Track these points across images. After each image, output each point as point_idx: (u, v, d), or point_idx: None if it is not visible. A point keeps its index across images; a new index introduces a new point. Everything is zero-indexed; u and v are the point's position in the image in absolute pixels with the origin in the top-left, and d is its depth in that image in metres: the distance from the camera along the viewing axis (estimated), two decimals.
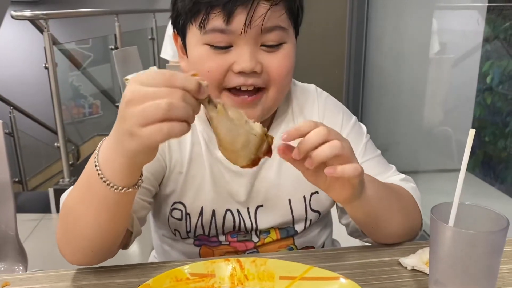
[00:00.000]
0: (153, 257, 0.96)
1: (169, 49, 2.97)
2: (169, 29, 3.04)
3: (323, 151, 0.57)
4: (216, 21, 0.68)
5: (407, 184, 0.81)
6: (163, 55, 3.02)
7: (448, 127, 2.49)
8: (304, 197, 0.82)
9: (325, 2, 2.34)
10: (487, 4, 2.38)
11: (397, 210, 0.73)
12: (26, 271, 1.15)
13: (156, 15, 5.24)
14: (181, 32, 0.75)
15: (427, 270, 0.66)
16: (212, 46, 0.69)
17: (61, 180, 2.96)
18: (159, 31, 5.23)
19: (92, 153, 0.60)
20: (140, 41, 4.90)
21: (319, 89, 0.87)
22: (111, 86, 4.79)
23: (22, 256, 1.19)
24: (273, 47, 0.71)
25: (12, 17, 2.71)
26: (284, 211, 0.81)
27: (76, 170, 3.18)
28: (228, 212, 0.80)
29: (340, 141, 0.58)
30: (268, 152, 0.58)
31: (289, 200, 0.81)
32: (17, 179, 3.77)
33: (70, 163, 3.07)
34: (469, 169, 2.76)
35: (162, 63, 3.19)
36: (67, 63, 4.17)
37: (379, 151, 0.86)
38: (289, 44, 0.73)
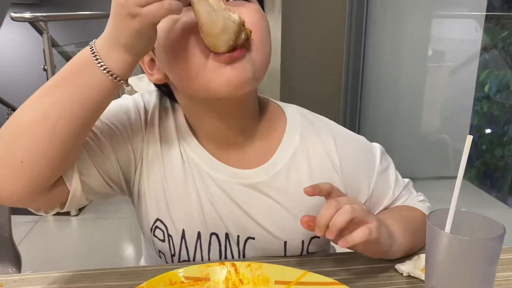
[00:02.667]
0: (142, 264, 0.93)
1: None
2: None
3: (337, 221, 0.60)
4: None
5: (424, 204, 0.81)
6: None
7: (445, 134, 2.50)
8: (303, 241, 0.76)
9: (323, 9, 2.35)
10: (485, 13, 2.40)
11: (415, 241, 0.73)
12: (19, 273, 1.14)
13: None
14: None
15: (423, 277, 0.66)
16: (174, 17, 0.63)
17: None
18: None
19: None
20: None
21: (337, 128, 0.80)
22: None
23: (16, 259, 1.18)
24: (239, 2, 0.65)
25: (12, 18, 2.71)
26: (277, 250, 0.76)
27: None
28: (214, 236, 0.75)
29: (350, 205, 0.61)
30: (246, 45, 0.62)
31: (285, 242, 0.75)
32: None
33: None
34: (466, 177, 2.77)
35: None
36: None
37: (406, 180, 0.83)
38: (254, 3, 0.67)
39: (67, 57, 4.14)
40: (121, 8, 0.55)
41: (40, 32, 2.76)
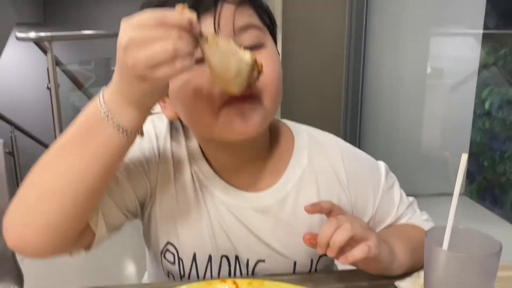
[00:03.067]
0: (146, 280, 0.93)
1: None
2: None
3: (337, 239, 0.62)
4: None
5: (427, 223, 0.81)
6: None
7: (445, 151, 2.50)
8: (312, 260, 0.77)
9: (323, 27, 2.39)
10: (482, 31, 2.43)
11: (416, 258, 0.74)
12: None
13: None
14: None
15: None
16: None
17: None
18: None
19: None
20: None
21: (342, 145, 0.81)
22: None
23: (18, 276, 1.18)
24: (253, 49, 0.64)
25: (17, 38, 2.75)
26: (286, 269, 0.77)
27: None
28: (224, 259, 0.75)
29: (349, 223, 0.63)
30: (258, 77, 0.61)
31: (295, 262, 0.76)
32: None
33: None
34: (468, 193, 2.76)
35: None
36: (69, 84, 4.21)
37: (410, 199, 0.83)
38: (269, 46, 0.67)
39: (71, 76, 4.19)
40: (129, 70, 0.52)
41: (44, 51, 2.80)
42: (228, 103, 0.63)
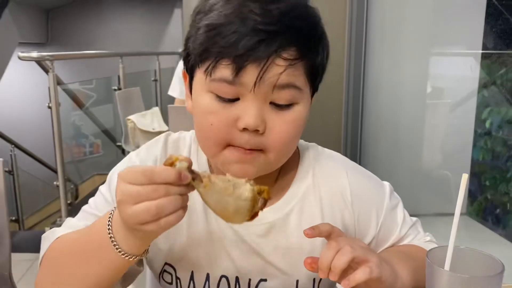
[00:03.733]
0: None
1: (177, 87, 3.06)
2: (179, 67, 3.13)
3: (338, 263, 0.61)
4: (225, 71, 0.61)
5: (431, 244, 0.80)
6: (171, 92, 3.11)
7: (446, 171, 2.50)
8: (314, 279, 0.76)
9: None
10: (481, 51, 2.45)
11: (419, 279, 0.72)
12: None
13: (159, 57, 5.37)
14: (189, 72, 0.69)
15: None
16: (218, 96, 0.63)
17: (58, 219, 2.94)
18: (163, 73, 5.35)
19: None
20: (143, 82, 5.00)
21: (347, 163, 0.81)
22: (113, 126, 4.84)
23: None
24: (283, 107, 0.64)
25: (20, 58, 2.77)
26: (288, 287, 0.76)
27: (74, 209, 3.16)
28: (224, 279, 0.75)
29: (349, 246, 0.62)
30: (263, 206, 0.59)
31: (297, 281, 0.75)
32: (13, 218, 3.73)
33: (69, 202, 3.06)
34: (469, 213, 2.75)
35: (170, 101, 3.26)
36: (70, 103, 4.23)
37: (414, 219, 0.83)
38: (301, 106, 0.66)
39: (72, 95, 4.22)
40: (124, 222, 0.57)
41: (46, 70, 2.82)
42: (234, 146, 0.65)
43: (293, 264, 0.74)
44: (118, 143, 4.42)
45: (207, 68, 0.62)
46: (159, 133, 4.10)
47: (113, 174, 0.77)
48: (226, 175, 0.57)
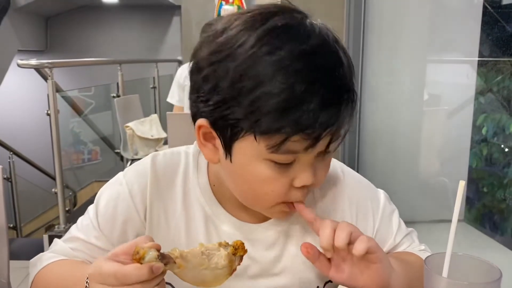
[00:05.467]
0: None
1: (175, 94, 3.07)
2: (178, 75, 3.14)
3: (341, 237, 0.62)
4: (296, 145, 0.58)
5: (425, 253, 0.80)
6: (169, 99, 3.12)
7: (444, 177, 2.50)
8: (317, 287, 0.77)
9: None
10: (477, 58, 2.47)
11: (414, 283, 0.72)
12: None
13: (158, 65, 5.39)
14: (224, 130, 0.62)
15: None
16: (277, 163, 0.61)
17: (56, 226, 2.93)
18: (161, 80, 5.36)
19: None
20: (142, 89, 5.01)
21: (344, 169, 0.81)
22: (111, 133, 4.85)
23: None
24: (327, 154, 0.64)
25: (19, 65, 2.78)
26: None
27: (72, 216, 3.15)
28: None
29: (344, 222, 0.64)
30: (241, 261, 0.59)
31: None
32: (11, 225, 3.72)
33: (67, 209, 3.05)
34: (467, 220, 2.75)
35: (168, 108, 3.27)
36: (69, 110, 4.24)
37: (410, 229, 0.83)
38: (329, 157, 0.67)
39: (71, 102, 4.22)
40: None
41: (45, 77, 2.82)
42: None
43: (295, 275, 0.74)
44: (116, 150, 4.42)
45: (273, 143, 0.58)
46: (158, 140, 4.12)
47: (101, 195, 0.76)
48: (198, 246, 0.57)
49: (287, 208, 0.67)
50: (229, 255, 0.57)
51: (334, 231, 0.63)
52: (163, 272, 0.54)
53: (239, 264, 0.58)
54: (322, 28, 0.62)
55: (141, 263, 0.52)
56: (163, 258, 0.53)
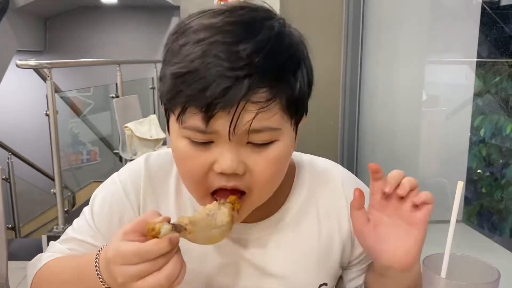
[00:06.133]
0: None
1: None
2: None
3: (411, 179, 0.63)
4: (195, 120, 0.58)
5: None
6: None
7: (443, 178, 2.51)
8: None
9: (319, 56, 2.43)
10: (475, 59, 2.47)
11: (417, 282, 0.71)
12: None
13: (157, 65, 5.39)
14: (165, 112, 0.66)
15: None
16: (192, 141, 0.61)
17: (55, 227, 2.93)
18: None
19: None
20: (141, 90, 5.01)
21: (343, 173, 0.80)
22: (110, 133, 4.84)
23: None
24: (261, 146, 0.61)
25: (18, 66, 2.78)
26: None
27: (71, 217, 3.15)
28: None
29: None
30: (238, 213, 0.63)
31: None
32: (10, 226, 3.72)
33: (66, 209, 3.05)
34: (465, 220, 2.75)
35: None
36: (68, 111, 4.23)
37: None
38: (282, 142, 0.62)
39: (69, 102, 4.22)
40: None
41: (44, 78, 2.82)
42: (217, 192, 0.64)
43: (290, 277, 0.74)
44: (115, 151, 4.42)
45: (178, 116, 0.60)
46: (157, 140, 4.12)
47: (96, 196, 0.76)
48: (201, 209, 0.60)
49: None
50: (230, 211, 0.60)
51: (403, 176, 0.63)
52: (178, 241, 0.56)
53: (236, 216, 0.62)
54: (273, 24, 0.61)
55: (158, 238, 0.54)
56: (176, 228, 0.55)
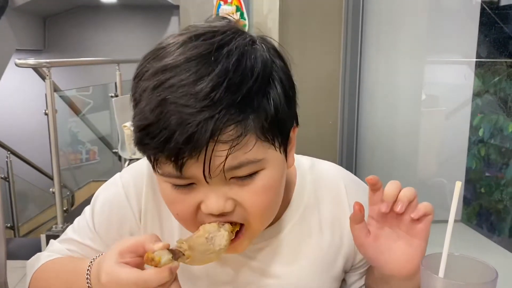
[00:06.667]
0: None
1: None
2: None
3: (409, 192, 0.61)
4: (169, 168, 0.55)
5: None
6: None
7: (442, 178, 2.51)
8: None
9: (318, 57, 2.42)
10: (475, 59, 2.47)
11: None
12: None
13: None
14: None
15: None
16: (174, 184, 0.58)
17: (54, 226, 2.93)
18: None
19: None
20: None
21: (346, 176, 0.78)
22: (109, 132, 4.84)
23: None
24: (246, 178, 0.57)
25: (17, 65, 2.78)
26: None
27: (70, 216, 3.15)
28: None
29: (413, 190, 0.62)
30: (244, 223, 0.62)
31: None
32: (9, 225, 3.72)
33: (64, 209, 3.05)
34: (464, 220, 2.75)
35: None
36: (67, 110, 4.23)
37: None
38: (268, 170, 0.59)
39: (68, 102, 4.22)
40: None
41: (43, 77, 2.82)
42: None
43: (291, 283, 0.73)
44: (114, 150, 4.41)
45: (152, 165, 0.58)
46: None
47: (98, 196, 0.76)
48: (200, 230, 0.58)
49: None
50: (229, 234, 0.59)
51: (400, 190, 0.61)
52: (177, 269, 0.56)
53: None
54: (237, 50, 0.55)
55: (158, 266, 0.53)
56: (174, 255, 0.54)
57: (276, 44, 0.63)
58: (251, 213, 0.59)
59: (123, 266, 0.54)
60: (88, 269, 0.61)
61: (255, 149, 0.56)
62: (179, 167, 0.54)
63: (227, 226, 0.59)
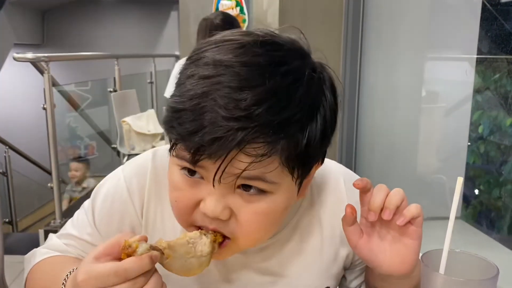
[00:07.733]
0: None
1: (172, 89, 3.04)
2: (175, 70, 3.13)
3: (394, 198, 0.60)
4: (184, 154, 0.56)
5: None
6: (167, 94, 3.10)
7: (441, 175, 2.51)
8: None
9: (318, 54, 2.42)
10: (475, 56, 2.47)
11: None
12: None
13: (155, 60, 5.37)
14: None
15: None
16: (184, 172, 0.59)
17: (52, 221, 2.92)
18: (158, 75, 5.34)
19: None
20: (139, 84, 5.00)
21: (346, 174, 0.77)
22: (108, 127, 4.83)
23: None
24: (252, 195, 0.57)
25: (15, 59, 2.77)
26: None
27: (68, 211, 3.14)
28: None
29: (399, 189, 0.62)
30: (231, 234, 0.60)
31: None
32: (7, 220, 3.71)
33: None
34: (464, 217, 2.76)
35: (165, 103, 3.25)
36: (66, 105, 4.22)
37: None
38: (277, 196, 0.58)
39: (67, 96, 4.21)
40: None
41: (41, 71, 2.81)
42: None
43: (292, 284, 0.73)
44: (113, 145, 4.41)
45: (171, 145, 0.58)
46: (155, 135, 4.11)
47: (99, 190, 0.74)
48: (181, 235, 0.57)
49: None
50: (211, 242, 0.58)
51: (387, 195, 0.61)
52: (158, 259, 0.54)
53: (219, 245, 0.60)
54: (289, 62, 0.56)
55: (133, 255, 0.51)
56: (153, 249, 0.53)
57: (333, 76, 0.62)
58: (243, 229, 0.59)
59: (100, 261, 0.52)
60: (65, 278, 0.61)
61: (274, 173, 0.55)
62: (194, 161, 0.54)
63: (210, 235, 0.58)
